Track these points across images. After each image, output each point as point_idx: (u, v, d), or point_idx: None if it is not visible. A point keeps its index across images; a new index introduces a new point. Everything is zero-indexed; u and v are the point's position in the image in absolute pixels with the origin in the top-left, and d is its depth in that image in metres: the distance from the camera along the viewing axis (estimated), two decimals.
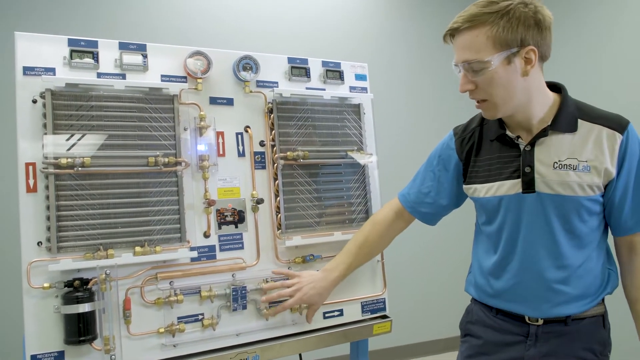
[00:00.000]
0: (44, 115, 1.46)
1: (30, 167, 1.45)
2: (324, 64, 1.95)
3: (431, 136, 3.65)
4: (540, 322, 1.40)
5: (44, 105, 1.46)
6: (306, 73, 1.89)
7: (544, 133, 1.34)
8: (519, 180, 1.36)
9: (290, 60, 1.88)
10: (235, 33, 3.10)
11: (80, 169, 1.47)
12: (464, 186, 1.52)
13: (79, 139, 1.49)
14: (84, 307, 1.41)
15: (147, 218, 1.55)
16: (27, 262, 1.41)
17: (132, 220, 1.54)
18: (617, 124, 1.32)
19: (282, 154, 1.77)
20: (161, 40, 1.82)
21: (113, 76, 1.58)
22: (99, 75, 1.57)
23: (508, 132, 1.40)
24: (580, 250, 1.37)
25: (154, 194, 1.57)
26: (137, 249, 1.51)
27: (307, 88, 1.89)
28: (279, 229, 1.75)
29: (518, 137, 1.38)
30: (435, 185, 1.59)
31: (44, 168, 1.44)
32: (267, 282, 1.70)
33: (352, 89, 1.99)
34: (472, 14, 1.26)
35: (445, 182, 1.57)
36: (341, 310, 1.84)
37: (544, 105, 1.35)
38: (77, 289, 1.43)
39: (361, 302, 1.88)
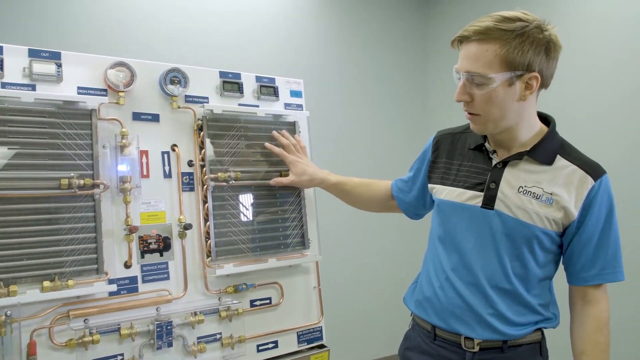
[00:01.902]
0: None
1: None
2: (258, 79, 1.84)
3: (367, 154, 3.64)
4: (477, 348, 1.36)
5: None
6: (239, 88, 1.78)
7: (519, 156, 1.34)
8: (482, 194, 1.35)
9: (222, 74, 1.76)
10: (163, 44, 2.92)
11: None
12: (429, 184, 1.52)
13: None
14: None
15: (58, 248, 1.37)
16: None
17: (40, 251, 1.35)
18: (594, 170, 1.31)
19: (212, 175, 1.64)
20: (79, 49, 1.64)
21: (20, 87, 1.40)
22: (4, 85, 1.38)
23: (487, 144, 1.39)
24: (523, 280, 1.35)
25: (67, 221, 1.40)
26: (46, 283, 1.33)
27: (239, 104, 1.78)
28: (208, 256, 1.62)
29: (494, 151, 1.38)
30: (412, 177, 1.63)
31: None
32: (195, 315, 1.56)
33: (287, 105, 1.90)
34: (486, 27, 1.22)
35: (420, 176, 1.59)
36: (276, 342, 1.73)
37: (529, 131, 1.35)
38: None
39: (297, 332, 1.78)
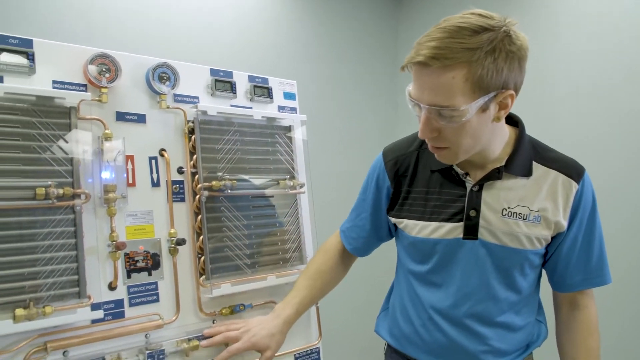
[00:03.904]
0: None
1: None
2: (251, 78, 1.68)
3: (367, 159, 3.49)
4: None
5: None
6: (231, 88, 1.61)
7: (496, 175, 1.18)
8: (461, 224, 1.19)
9: (213, 72, 1.59)
10: (147, 39, 2.64)
11: None
12: (392, 218, 1.33)
13: None
14: None
15: (33, 269, 1.17)
16: None
17: (10, 273, 1.14)
18: (575, 171, 1.19)
19: (205, 184, 1.46)
20: (52, 39, 1.43)
21: None
22: None
23: (455, 167, 1.21)
24: (515, 305, 1.25)
25: (44, 237, 1.19)
26: (19, 311, 1.12)
27: (232, 105, 1.61)
28: (201, 274, 1.44)
29: (466, 174, 1.21)
30: (369, 217, 1.40)
31: None
32: (189, 341, 1.38)
33: (280, 108, 1.75)
34: (447, 47, 0.98)
35: (381, 212, 1.37)
36: None
37: (501, 143, 1.19)
38: None
39: (294, 355, 1.62)
